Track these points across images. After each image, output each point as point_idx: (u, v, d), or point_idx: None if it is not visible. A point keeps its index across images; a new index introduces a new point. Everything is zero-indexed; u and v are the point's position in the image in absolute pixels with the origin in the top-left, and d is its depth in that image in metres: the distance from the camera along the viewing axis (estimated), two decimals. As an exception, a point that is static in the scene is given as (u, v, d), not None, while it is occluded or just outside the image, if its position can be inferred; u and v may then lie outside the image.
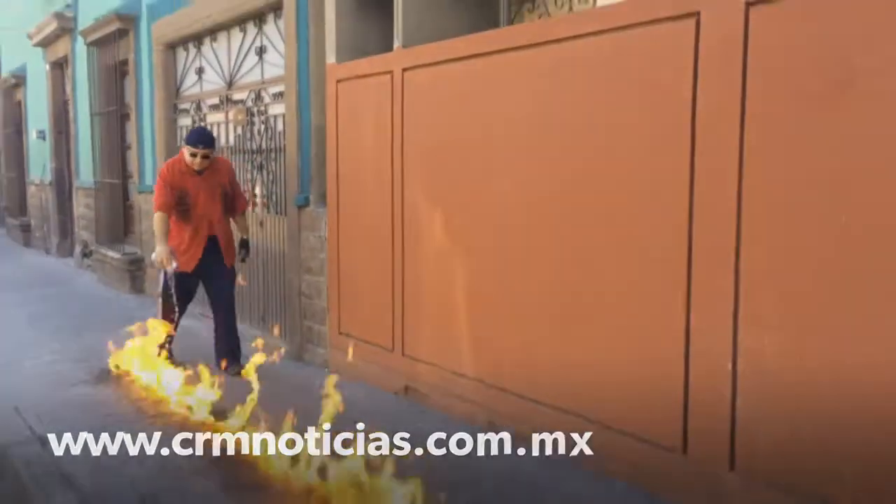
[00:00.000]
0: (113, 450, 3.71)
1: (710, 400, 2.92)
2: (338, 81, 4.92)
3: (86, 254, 10.41)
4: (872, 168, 2.43)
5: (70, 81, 10.37)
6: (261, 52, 6.10)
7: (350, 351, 4.95)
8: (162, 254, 4.94)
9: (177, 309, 5.09)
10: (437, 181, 4.29)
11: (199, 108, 7.15)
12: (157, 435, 3.97)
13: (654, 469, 3.15)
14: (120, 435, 3.92)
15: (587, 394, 3.44)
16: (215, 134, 6.89)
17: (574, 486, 3.28)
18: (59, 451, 3.68)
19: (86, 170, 10.09)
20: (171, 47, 7.46)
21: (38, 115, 12.28)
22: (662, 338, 3.09)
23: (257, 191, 6.29)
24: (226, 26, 6.48)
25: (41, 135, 12.12)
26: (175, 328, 5.19)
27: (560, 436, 3.56)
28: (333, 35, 4.93)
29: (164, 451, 3.71)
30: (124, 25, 8.09)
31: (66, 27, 10.08)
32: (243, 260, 5.33)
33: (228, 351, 5.15)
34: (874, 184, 2.43)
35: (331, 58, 4.98)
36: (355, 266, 5.00)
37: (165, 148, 7.64)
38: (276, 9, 5.68)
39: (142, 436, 3.95)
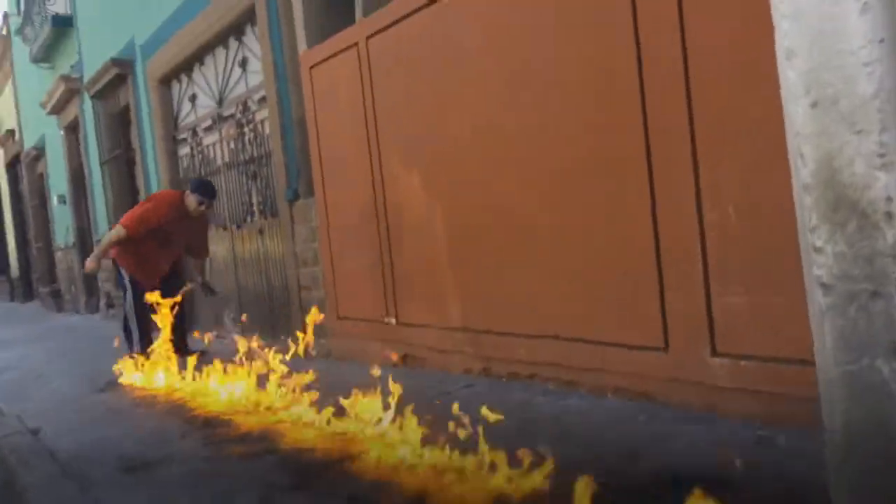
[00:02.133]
0: (101, 433, 3.71)
1: (684, 289, 2.81)
2: (310, 68, 4.99)
3: (109, 304, 10.56)
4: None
5: (83, 141, 10.69)
6: (243, 63, 6.24)
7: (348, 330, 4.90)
8: (93, 261, 5.40)
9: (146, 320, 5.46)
10: (410, 143, 4.29)
11: (195, 133, 7.30)
12: (144, 413, 4.00)
13: (641, 373, 3.02)
14: (108, 421, 3.96)
15: (568, 315, 3.34)
16: (211, 156, 7.04)
17: (574, 405, 3.16)
18: (48, 439, 3.68)
19: (103, 223, 10.30)
20: (165, 82, 7.67)
21: (58, 181, 12.66)
22: (632, 243, 3.00)
23: (253, 200, 6.35)
24: (210, 47, 6.65)
25: (62, 199, 12.46)
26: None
27: (551, 365, 3.47)
28: (302, 23, 5.03)
29: (151, 424, 3.71)
30: (121, 71, 8.35)
31: (73, 88, 10.44)
32: (209, 293, 6.02)
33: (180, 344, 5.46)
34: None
35: (302, 46, 5.07)
36: (346, 248, 4.99)
37: (169, 181, 7.79)
38: (253, 18, 5.82)
39: (131, 417, 3.98)
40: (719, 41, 2.59)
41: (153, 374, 5.03)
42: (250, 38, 6.07)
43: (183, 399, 4.32)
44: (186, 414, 3.91)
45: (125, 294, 5.57)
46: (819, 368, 1.13)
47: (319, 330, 5.40)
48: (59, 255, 13.69)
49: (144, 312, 5.40)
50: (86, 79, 9.85)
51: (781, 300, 2.51)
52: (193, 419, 3.76)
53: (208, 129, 7.03)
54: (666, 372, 2.92)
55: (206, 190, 5.49)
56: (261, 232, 6.22)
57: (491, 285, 3.79)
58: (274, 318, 6.01)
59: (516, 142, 3.52)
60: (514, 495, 2.14)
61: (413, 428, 2.76)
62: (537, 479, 2.15)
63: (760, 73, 2.44)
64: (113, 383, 5.16)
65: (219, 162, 6.86)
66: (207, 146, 7.09)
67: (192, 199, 5.39)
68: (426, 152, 4.15)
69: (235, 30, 6.20)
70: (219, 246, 6.89)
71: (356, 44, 4.50)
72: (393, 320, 4.56)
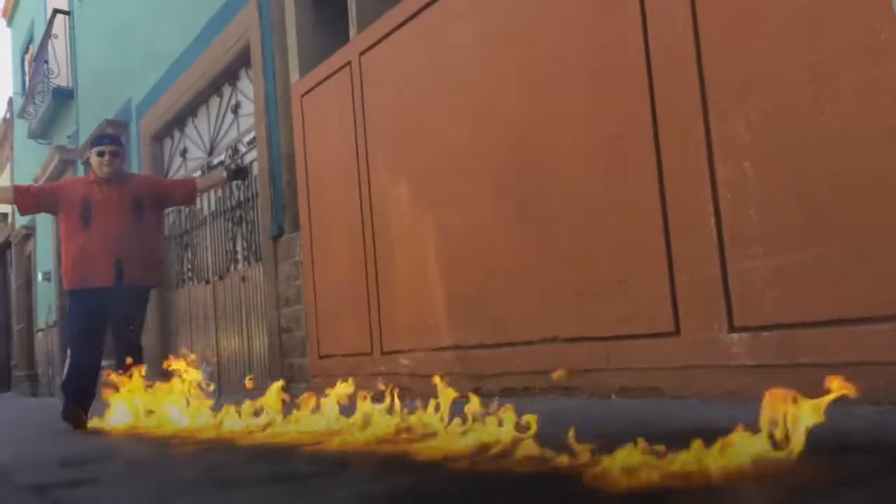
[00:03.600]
0: (43, 448, 3.32)
1: (696, 260, 2.54)
2: (302, 96, 4.88)
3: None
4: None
5: (72, 212, 10.52)
6: (236, 108, 6.16)
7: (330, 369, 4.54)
8: None
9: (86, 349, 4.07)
10: (399, 159, 4.10)
11: (183, 187, 7.14)
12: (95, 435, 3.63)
13: (649, 366, 2.70)
14: (54, 442, 3.58)
15: (568, 314, 3.04)
16: (197, 208, 6.86)
17: (569, 405, 2.81)
18: None
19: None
20: (158, 138, 7.59)
21: (45, 258, 12.41)
22: (636, 218, 2.75)
23: (238, 247, 6.11)
24: (204, 97, 6.60)
25: (46, 276, 12.17)
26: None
27: (548, 374, 3.13)
28: (296, 54, 4.96)
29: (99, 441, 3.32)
30: (115, 131, 8.30)
31: (67, 159, 10.39)
32: (244, 179, 5.13)
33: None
34: None
35: (294, 76, 4.98)
36: (330, 280, 4.70)
37: (155, 240, 7.57)
38: (248, 60, 5.78)
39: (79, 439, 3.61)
40: (727, -10, 2.45)
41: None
42: (244, 83, 6.01)
43: (141, 428, 3.91)
44: (140, 436, 3.51)
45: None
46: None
47: (299, 373, 5.05)
48: (39, 336, 13.26)
49: (86, 343, 4.10)
50: (80, 146, 9.82)
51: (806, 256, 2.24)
52: (146, 438, 3.37)
53: (196, 181, 6.88)
54: (678, 360, 2.60)
55: (100, 136, 4.48)
56: (243, 280, 5.95)
57: (483, 298, 3.50)
58: (252, 367, 5.65)
59: (507, 133, 3.33)
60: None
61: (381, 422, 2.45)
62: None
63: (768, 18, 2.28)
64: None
65: (205, 212, 6.67)
66: (195, 198, 6.92)
67: (91, 158, 4.28)
68: (416, 167, 3.95)
69: (230, 75, 6.16)
70: (197, 298, 6.60)
71: (349, 63, 4.40)
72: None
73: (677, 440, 1.52)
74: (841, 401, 1.72)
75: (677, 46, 2.58)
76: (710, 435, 1.52)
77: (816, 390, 2.08)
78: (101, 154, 4.19)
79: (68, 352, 4.19)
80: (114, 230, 4.13)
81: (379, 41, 4.16)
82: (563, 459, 1.60)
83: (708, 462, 1.35)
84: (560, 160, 3.08)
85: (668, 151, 2.62)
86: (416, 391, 3.90)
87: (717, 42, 2.46)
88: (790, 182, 2.28)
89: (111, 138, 4.43)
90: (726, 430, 1.49)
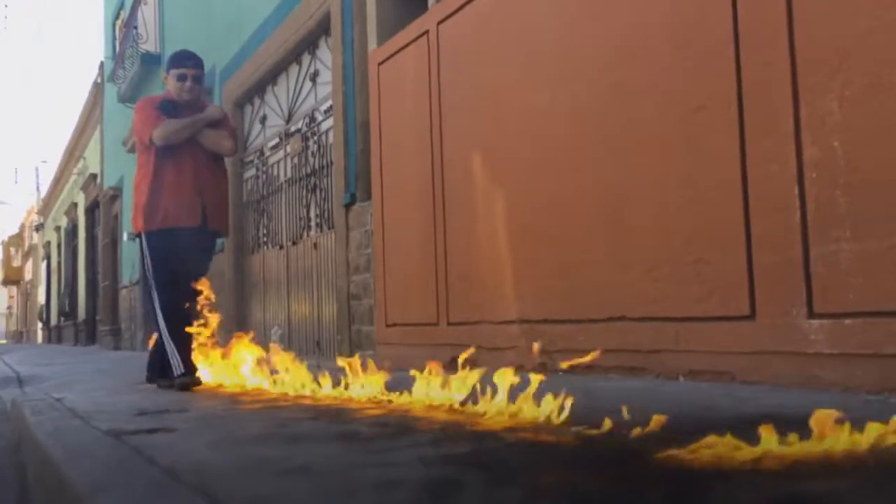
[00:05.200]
0: (121, 398, 3.49)
1: (777, 251, 2.45)
2: (379, 65, 4.90)
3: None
4: None
5: (156, 175, 10.91)
6: (314, 76, 6.24)
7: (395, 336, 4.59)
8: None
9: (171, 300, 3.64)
10: (474, 125, 4.08)
11: (261, 154, 7.31)
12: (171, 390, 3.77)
13: (721, 349, 2.62)
14: (132, 394, 3.74)
15: (638, 292, 2.98)
16: (274, 174, 7.00)
17: (633, 386, 2.76)
18: (69, 402, 3.46)
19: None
20: (240, 105, 7.76)
21: (130, 219, 12.92)
22: (714, 195, 2.67)
23: (311, 214, 6.22)
24: (284, 64, 6.70)
25: (131, 236, 12.69)
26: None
27: (616, 352, 3.09)
28: (374, 21, 4.97)
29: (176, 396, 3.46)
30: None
31: (154, 123, 10.72)
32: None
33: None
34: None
35: (372, 45, 5.00)
36: (399, 249, 4.74)
37: (231, 205, 7.77)
38: (328, 28, 5.84)
39: (156, 392, 3.76)
40: (825, -42, 2.33)
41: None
42: (323, 51, 6.08)
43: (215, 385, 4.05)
44: (219, 392, 3.64)
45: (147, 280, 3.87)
46: None
47: (366, 340, 5.12)
48: (123, 293, 13.88)
49: (175, 304, 3.67)
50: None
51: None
52: (219, 394, 3.49)
53: (274, 148, 7.02)
54: (751, 344, 2.52)
55: (185, 54, 3.79)
56: (315, 247, 6.06)
57: (552, 272, 3.46)
58: (321, 333, 5.77)
59: (584, 105, 3.26)
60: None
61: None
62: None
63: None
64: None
65: (281, 179, 6.81)
66: (272, 165, 7.07)
67: (171, 82, 3.70)
68: (489, 138, 3.92)
69: (309, 43, 6.23)
70: (271, 263, 6.76)
71: (426, 32, 4.39)
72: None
73: (744, 425, 1.48)
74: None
75: (767, 16, 2.47)
76: (780, 421, 1.47)
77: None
78: (182, 78, 3.64)
79: (161, 324, 3.69)
80: (195, 162, 3.61)
81: (457, 10, 4.12)
82: (623, 436, 1.58)
83: (774, 446, 1.31)
84: (638, 132, 3.00)
85: (752, 126, 2.52)
86: (480, 363, 3.93)
87: (811, 12, 2.34)
88: (883, 164, 2.17)
89: (195, 60, 3.76)
90: (798, 417, 1.44)
